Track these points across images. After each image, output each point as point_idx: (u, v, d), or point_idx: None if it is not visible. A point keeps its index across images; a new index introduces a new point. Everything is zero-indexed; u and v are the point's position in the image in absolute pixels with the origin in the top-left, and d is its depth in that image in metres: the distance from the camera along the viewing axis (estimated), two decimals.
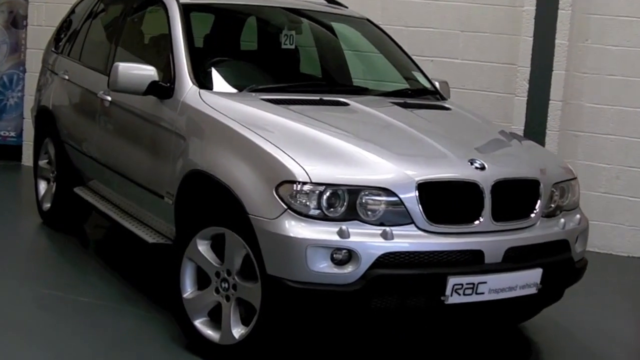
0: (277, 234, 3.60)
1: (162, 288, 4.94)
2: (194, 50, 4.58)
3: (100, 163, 5.22)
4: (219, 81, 4.51)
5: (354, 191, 3.65)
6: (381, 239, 3.62)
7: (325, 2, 5.58)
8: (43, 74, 6.52)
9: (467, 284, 3.73)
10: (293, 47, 5.15)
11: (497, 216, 3.85)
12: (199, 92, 4.34)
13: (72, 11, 6.37)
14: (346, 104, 4.44)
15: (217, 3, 5.23)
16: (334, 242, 3.57)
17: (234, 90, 4.47)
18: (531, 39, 6.44)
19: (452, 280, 3.68)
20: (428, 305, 3.73)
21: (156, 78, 4.48)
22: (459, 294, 3.72)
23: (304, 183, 3.60)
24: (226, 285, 3.93)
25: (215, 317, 4.03)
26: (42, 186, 6.32)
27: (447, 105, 4.90)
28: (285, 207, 3.61)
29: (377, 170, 3.74)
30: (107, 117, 5.16)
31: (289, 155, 3.69)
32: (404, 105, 4.60)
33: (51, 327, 4.35)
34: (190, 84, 4.41)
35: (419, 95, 5.03)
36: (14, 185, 7.90)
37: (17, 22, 8.40)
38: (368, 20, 5.48)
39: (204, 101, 4.27)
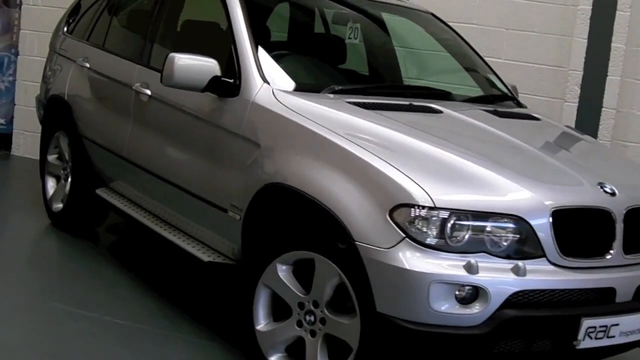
0: (394, 266, 2.99)
1: (211, 309, 4.38)
2: (259, 42, 3.94)
3: (133, 164, 4.52)
4: (292, 79, 3.84)
5: (482, 218, 3.06)
6: (512, 275, 3.04)
7: None
8: (52, 59, 5.78)
9: (600, 326, 3.17)
10: (357, 41, 4.54)
11: (627, 248, 3.33)
12: (273, 92, 3.71)
13: None
14: (439, 111, 3.84)
15: None
16: (462, 277, 2.98)
17: (311, 91, 3.83)
18: (585, 40, 5.93)
19: (586, 323, 3.12)
20: (557, 350, 3.16)
21: (218, 73, 3.82)
22: (591, 338, 3.16)
23: (426, 208, 2.99)
24: (312, 318, 3.31)
25: (295, 354, 3.44)
26: (51, 184, 5.59)
27: (535, 115, 4.34)
28: (403, 235, 3.00)
29: (507, 194, 3.15)
30: (145, 113, 4.46)
31: (405, 175, 3.07)
32: (499, 114, 4.02)
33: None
34: (261, 81, 3.74)
35: (500, 101, 4.46)
36: (6, 179, 7.13)
37: (9, 0, 7.59)
38: (433, 14, 4.88)
39: (281, 102, 3.62)
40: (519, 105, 4.54)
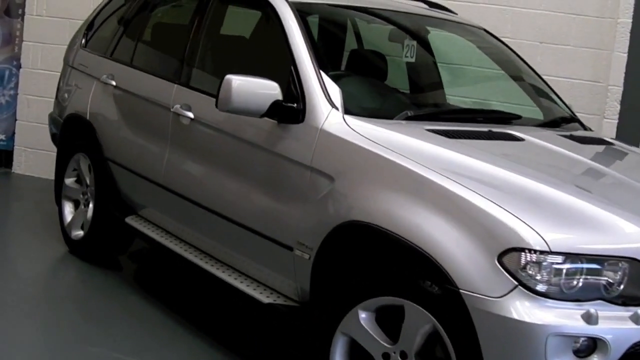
0: (506, 317, 2.65)
1: (272, 356, 4.04)
2: (321, 63, 3.60)
3: (172, 192, 4.13)
4: (361, 104, 3.53)
5: (597, 261, 2.75)
6: (632, 324, 2.73)
7: (426, 6, 4.64)
8: (67, 75, 5.37)
9: None
10: (413, 60, 4.22)
11: None
12: (344, 119, 3.37)
13: (111, 1, 5.25)
14: (520, 139, 3.51)
15: (335, 4, 4.17)
16: (582, 329, 2.65)
17: (383, 117, 3.49)
18: (625, 55, 5.65)
19: None
20: None
21: (280, 97, 3.47)
22: None
23: (540, 252, 2.68)
24: None
25: None
26: (69, 209, 5.18)
27: (608, 139, 4.05)
28: (515, 282, 2.68)
29: (621, 234, 2.81)
30: (186, 137, 4.09)
31: (514, 215, 2.73)
32: (578, 140, 3.71)
33: None
34: (329, 106, 3.39)
35: (566, 123, 4.15)
36: (11, 200, 6.67)
37: (10, 10, 7.16)
38: (484, 30, 4.57)
39: (355, 131, 3.26)
40: (583, 127, 4.26)
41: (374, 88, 3.90)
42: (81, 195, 5.08)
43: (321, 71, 3.51)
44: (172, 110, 4.13)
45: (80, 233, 5.00)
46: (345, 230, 3.15)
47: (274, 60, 3.78)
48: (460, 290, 2.75)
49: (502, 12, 5.94)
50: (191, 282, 4.87)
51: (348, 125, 3.30)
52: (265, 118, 3.50)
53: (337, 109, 3.38)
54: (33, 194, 6.66)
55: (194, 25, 4.27)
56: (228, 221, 3.75)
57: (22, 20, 7.08)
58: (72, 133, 5.14)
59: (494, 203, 2.78)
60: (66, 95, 5.30)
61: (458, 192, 2.86)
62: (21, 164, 7.20)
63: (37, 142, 7.09)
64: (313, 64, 3.53)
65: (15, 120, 7.17)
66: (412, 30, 4.39)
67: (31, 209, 6.16)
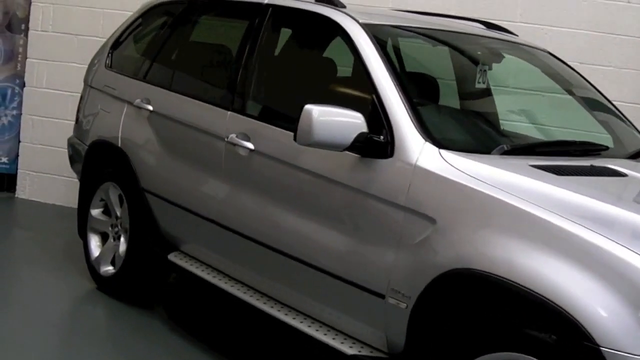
0: None
1: None
2: (405, 91, 3.29)
3: (227, 229, 3.76)
4: (453, 137, 3.21)
5: None
6: None
7: (482, 26, 4.34)
8: (89, 96, 4.97)
9: None
10: (485, 86, 3.92)
11: None
12: (440, 153, 3.06)
13: (141, 18, 4.86)
14: (622, 174, 3.20)
15: (409, 26, 3.85)
16: None
17: (480, 151, 3.15)
18: None
19: None
20: None
21: (365, 129, 3.15)
22: None
23: None
24: None
25: None
26: (96, 243, 4.77)
27: None
28: None
29: None
30: (246, 170, 3.72)
31: None
32: None
33: None
34: (421, 139, 3.06)
35: None
36: (18, 228, 6.21)
37: (12, 25, 6.73)
38: (549, 53, 4.29)
39: (455, 168, 2.93)
40: None
41: (461, 118, 3.60)
42: (110, 228, 4.70)
43: (408, 100, 3.20)
44: (226, 140, 3.78)
45: (111, 269, 4.61)
46: (451, 278, 2.83)
47: (348, 87, 3.47)
48: (601, 348, 2.46)
49: (541, 32, 5.67)
50: (236, 322, 4.52)
51: (446, 161, 2.98)
52: (346, 151, 3.19)
53: (431, 142, 3.06)
54: (43, 221, 6.25)
55: (247, 46, 3.90)
56: (299, 262, 3.40)
57: (26, 36, 6.66)
58: (99, 160, 4.75)
59: (632, 251, 2.50)
60: (90, 119, 4.91)
61: (589, 238, 2.55)
62: (25, 189, 6.75)
63: (43, 166, 6.67)
64: (398, 92, 3.20)
65: (19, 142, 6.73)
66: (486, 54, 4.10)
67: (45, 239, 5.71)
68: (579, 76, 4.20)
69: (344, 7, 3.70)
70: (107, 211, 4.75)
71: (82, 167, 4.89)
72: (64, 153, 6.59)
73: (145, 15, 4.80)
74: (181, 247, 4.23)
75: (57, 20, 6.55)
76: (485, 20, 4.53)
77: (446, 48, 3.98)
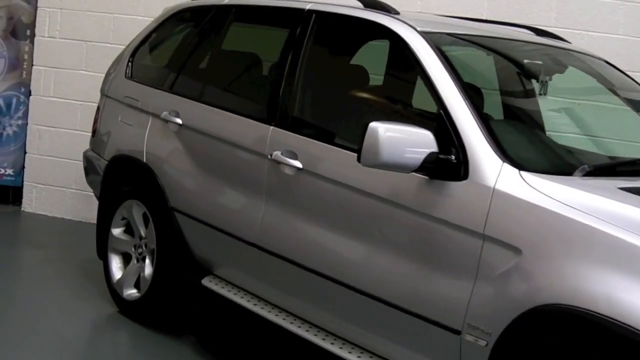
0: None
1: None
2: (476, 107, 2.99)
3: (272, 255, 3.45)
4: (532, 157, 2.90)
5: None
6: None
7: (532, 32, 4.06)
8: (106, 107, 4.65)
9: None
10: (546, 98, 3.64)
11: None
12: (522, 176, 2.75)
13: (164, 25, 4.52)
14: None
15: (465, 34, 3.51)
16: None
17: (561, 173, 2.83)
18: None
19: None
20: None
21: (435, 148, 2.86)
22: None
23: None
24: None
25: None
26: (117, 264, 4.44)
27: None
28: None
29: None
30: (293, 190, 3.42)
31: None
32: None
33: None
34: (499, 160, 2.75)
35: None
36: (28, 244, 5.80)
37: (17, 31, 6.39)
38: (605, 61, 4.01)
39: (541, 192, 2.63)
40: None
41: (533, 135, 3.31)
42: (133, 249, 4.38)
43: (479, 116, 2.92)
44: (270, 157, 3.49)
45: (135, 292, 4.29)
46: (541, 314, 2.54)
47: (408, 101, 3.17)
48: None
49: (578, 37, 5.40)
50: (279, 354, 4.22)
51: (529, 184, 2.69)
52: (412, 172, 2.90)
53: (509, 163, 2.76)
54: (53, 237, 5.91)
55: (289, 56, 3.59)
56: (356, 292, 3.11)
57: (31, 42, 6.32)
58: (121, 176, 4.43)
59: None
60: (109, 132, 4.58)
61: None
62: (32, 202, 6.41)
63: (50, 178, 6.34)
64: (468, 107, 2.92)
65: (25, 153, 6.40)
66: (548, 64, 3.81)
67: (59, 257, 5.35)
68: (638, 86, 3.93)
69: (398, 13, 3.42)
70: (129, 230, 4.44)
71: (101, 184, 4.56)
72: (73, 164, 6.31)
73: (169, 21, 4.48)
74: (215, 271, 3.92)
75: (65, 25, 6.22)
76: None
77: (504, 57, 3.69)
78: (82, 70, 6.20)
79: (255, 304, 3.59)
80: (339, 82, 3.65)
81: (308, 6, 3.66)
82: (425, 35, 3.19)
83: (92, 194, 6.27)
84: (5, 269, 5.16)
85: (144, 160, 4.21)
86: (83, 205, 6.29)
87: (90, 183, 4.87)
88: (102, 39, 6.15)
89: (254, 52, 4.02)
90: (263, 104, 3.70)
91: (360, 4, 3.55)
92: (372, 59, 3.58)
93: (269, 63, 3.78)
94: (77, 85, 6.23)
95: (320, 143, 3.30)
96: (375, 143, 2.77)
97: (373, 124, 2.79)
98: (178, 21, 4.46)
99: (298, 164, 3.36)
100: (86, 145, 6.18)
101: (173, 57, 4.33)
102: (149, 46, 4.58)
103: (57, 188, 6.34)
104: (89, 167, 4.81)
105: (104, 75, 6.18)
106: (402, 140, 2.79)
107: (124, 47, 6.08)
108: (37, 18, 6.25)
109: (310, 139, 3.36)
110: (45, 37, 6.26)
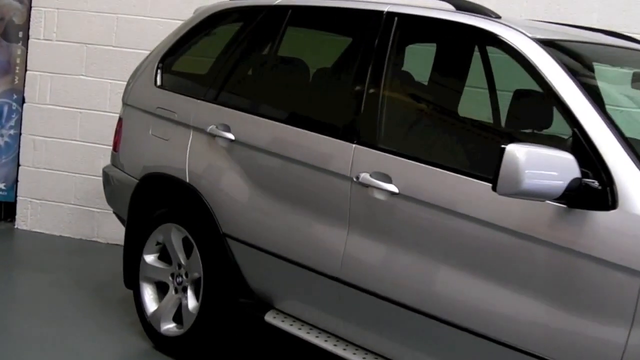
0: None
1: None
2: (616, 125, 2.62)
3: (362, 291, 3.01)
4: None
5: None
6: None
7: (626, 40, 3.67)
8: (132, 119, 4.15)
9: None
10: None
11: None
12: None
13: (202, 27, 4.01)
14: None
15: (578, 41, 3.11)
16: None
17: None
18: None
19: None
20: None
21: (578, 174, 2.48)
22: None
23: None
24: None
25: None
26: (151, 294, 3.94)
27: None
28: None
29: None
30: (387, 218, 2.98)
31: None
32: None
33: None
34: None
35: None
36: (30, 266, 5.17)
37: (8, 33, 5.79)
38: None
39: None
40: None
41: None
42: (170, 277, 3.89)
43: (621, 136, 2.54)
44: (357, 180, 3.04)
45: (175, 327, 3.80)
46: None
47: (524, 117, 2.79)
48: None
49: None
50: None
51: None
52: (547, 201, 2.51)
53: None
54: (55, 258, 5.33)
55: (370, 65, 3.13)
56: (473, 335, 2.70)
57: (24, 45, 5.75)
58: (155, 197, 3.95)
59: None
60: (137, 147, 4.07)
61: None
62: (27, 219, 5.83)
63: (46, 192, 5.77)
64: (608, 125, 2.55)
65: (18, 165, 5.83)
66: None
67: (70, 282, 4.80)
68: None
69: (499, 17, 3.02)
70: (164, 256, 3.97)
71: (130, 205, 4.06)
72: (71, 178, 5.75)
73: (206, 23, 3.97)
74: (276, 304, 3.47)
75: (63, 27, 5.65)
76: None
77: (625, 69, 3.32)
78: (82, 75, 5.66)
79: (335, 345, 3.16)
80: (437, 95, 3.24)
81: (387, 8, 3.24)
82: (541, 43, 2.81)
83: (94, 209, 5.81)
84: (8, 297, 4.60)
85: (187, 180, 3.73)
86: (83, 222, 5.75)
87: (112, 202, 4.35)
88: (104, 41, 5.61)
89: (320, 59, 3.58)
90: (340, 118, 3.24)
91: (450, 6, 3.15)
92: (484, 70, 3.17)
93: (346, 73, 3.32)
94: (76, 92, 5.67)
95: (422, 165, 2.88)
96: (515, 169, 2.37)
97: (511, 147, 2.39)
98: (218, 23, 3.97)
99: (393, 188, 2.93)
100: (86, 157, 5.69)
101: (216, 64, 3.84)
102: (182, 51, 4.08)
103: (55, 203, 5.77)
104: (111, 185, 4.30)
105: (105, 80, 5.71)
106: (544, 165, 2.40)
107: (128, 50, 5.65)
108: (32, 19, 5.67)
109: (408, 160, 2.93)
110: (41, 39, 5.69)
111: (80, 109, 5.70)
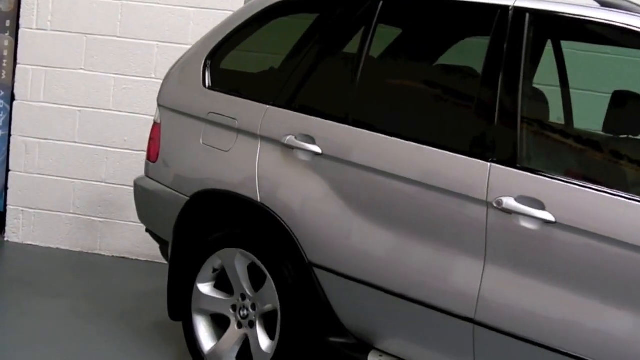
0: None
1: None
2: None
3: (508, 335, 2.53)
4: None
5: None
6: None
7: None
8: (177, 126, 3.51)
9: None
10: None
11: None
12: None
13: (265, 18, 3.39)
14: None
15: None
16: None
17: None
18: None
19: None
20: None
21: None
22: None
23: None
24: None
25: None
26: (206, 329, 3.36)
27: None
28: None
29: None
30: (538, 252, 2.49)
31: None
32: None
33: None
34: None
35: None
36: (25, 287, 4.43)
37: None
38: None
39: None
40: None
41: None
42: (231, 310, 3.33)
43: None
44: (498, 206, 2.52)
45: None
46: None
47: None
48: None
49: None
50: None
51: None
52: None
53: None
54: (59, 275, 4.66)
55: (503, 70, 2.62)
56: None
57: (12, 35, 5.03)
58: (214, 218, 3.36)
59: None
60: (184, 158, 3.46)
61: None
62: (18, 230, 5.12)
63: (41, 200, 5.09)
64: None
65: (7, 170, 5.11)
66: None
67: (84, 305, 4.18)
68: None
69: None
70: (221, 285, 3.40)
71: (177, 225, 3.46)
72: (70, 184, 5.07)
73: (270, 13, 3.38)
74: (378, 344, 2.93)
75: (59, 15, 4.95)
76: None
77: None
78: (81, 69, 4.98)
79: None
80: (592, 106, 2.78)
81: (515, 3, 2.74)
82: None
83: (96, 218, 5.15)
84: (15, 330, 3.93)
85: (258, 199, 3.15)
86: (83, 233, 5.09)
87: (147, 220, 3.74)
88: (107, 31, 4.93)
89: (430, 60, 3.06)
90: (468, 132, 2.72)
91: (593, 2, 2.68)
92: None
93: (468, 78, 2.82)
94: (75, 88, 4.99)
95: (586, 189, 2.42)
96: None
97: None
98: (283, 14, 3.39)
99: (547, 215, 2.46)
100: (86, 161, 5.04)
101: (288, 62, 3.27)
102: (239, 46, 3.48)
103: (51, 213, 5.08)
104: (147, 201, 3.69)
105: (108, 75, 5.03)
106: None
107: (135, 41, 4.99)
108: (22, 6, 4.94)
109: (566, 183, 2.47)
110: (33, 28, 4.96)
111: (79, 107, 5.01)
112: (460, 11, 2.92)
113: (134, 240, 5.07)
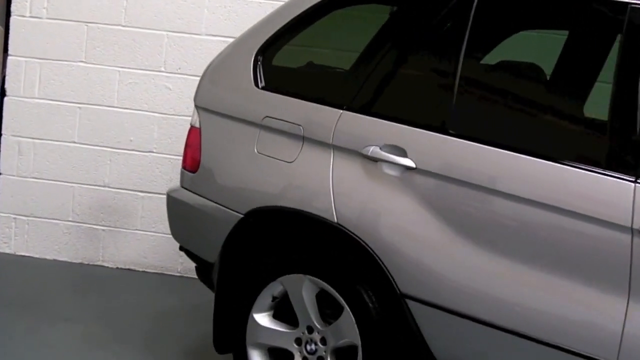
0: None
1: None
2: None
3: None
4: None
5: None
6: None
7: None
8: (222, 131, 3.03)
9: None
10: None
11: None
12: None
13: (322, 9, 2.89)
14: None
15: None
16: None
17: None
18: None
19: None
20: None
21: None
22: None
23: None
24: None
25: None
26: None
27: None
28: None
29: None
30: None
31: None
32: None
33: None
34: None
35: None
36: (27, 307, 3.89)
37: None
38: None
39: None
40: None
41: None
42: (294, 344, 2.88)
43: None
44: None
45: None
46: None
47: None
48: None
49: None
50: None
51: None
52: None
53: None
54: (65, 293, 4.13)
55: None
56: None
57: (3, 25, 4.45)
58: (275, 239, 2.91)
59: None
60: (235, 168, 2.99)
61: None
62: (10, 240, 4.56)
63: (36, 207, 4.54)
64: None
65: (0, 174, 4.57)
66: None
67: (107, 333, 3.66)
68: None
69: None
70: (281, 315, 2.96)
71: (225, 245, 2.99)
72: (69, 189, 4.52)
73: (335, 4, 2.95)
74: None
75: (56, 1, 4.39)
76: None
77: None
78: (82, 62, 4.44)
79: None
80: None
81: None
82: None
83: (98, 227, 4.61)
84: None
85: (335, 219, 2.69)
86: (84, 243, 4.56)
87: (185, 237, 3.24)
88: (111, 19, 4.40)
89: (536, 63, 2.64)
90: (605, 146, 2.34)
91: None
92: None
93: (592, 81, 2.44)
94: (74, 83, 4.46)
95: None
96: None
97: None
98: (350, 4, 2.94)
99: None
100: (88, 163, 4.52)
101: (364, 60, 2.81)
102: (296, 42, 3.01)
103: (47, 220, 4.54)
104: (185, 216, 3.20)
105: (112, 68, 4.49)
106: None
107: (142, 30, 4.45)
108: None
109: None
110: (27, 16, 4.40)
111: (78, 103, 4.48)
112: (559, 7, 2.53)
113: (140, 251, 4.57)
